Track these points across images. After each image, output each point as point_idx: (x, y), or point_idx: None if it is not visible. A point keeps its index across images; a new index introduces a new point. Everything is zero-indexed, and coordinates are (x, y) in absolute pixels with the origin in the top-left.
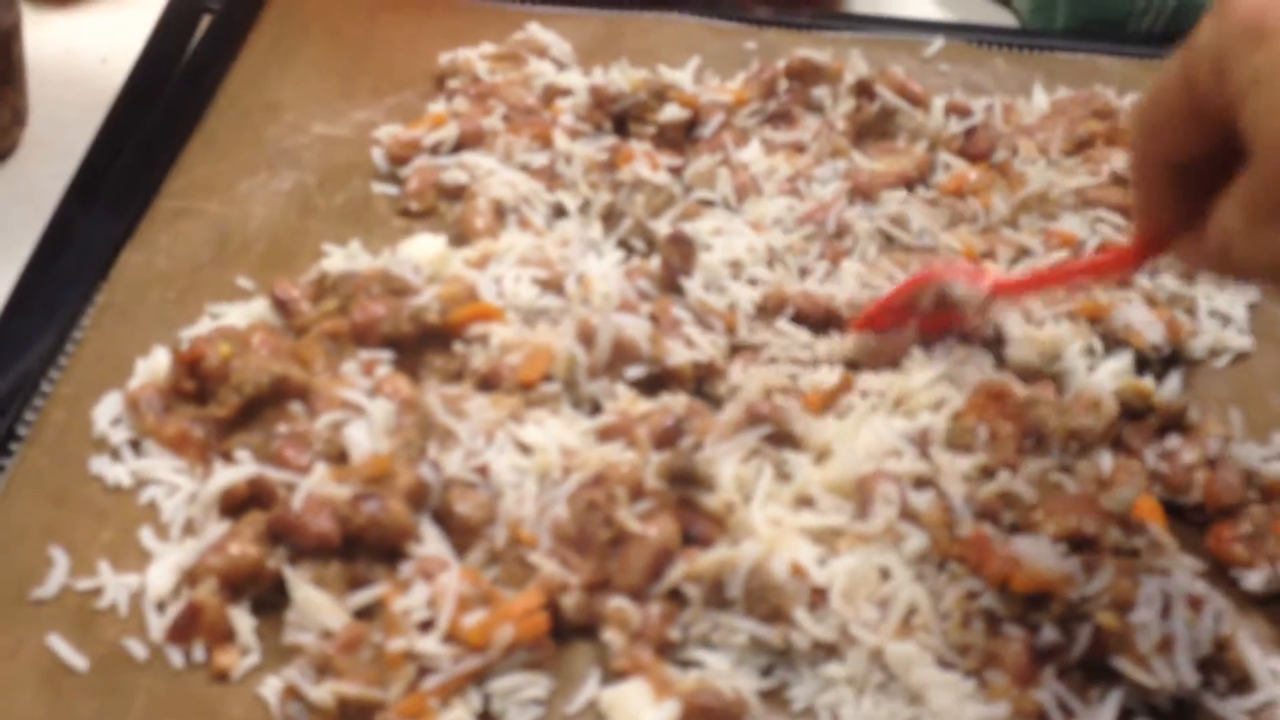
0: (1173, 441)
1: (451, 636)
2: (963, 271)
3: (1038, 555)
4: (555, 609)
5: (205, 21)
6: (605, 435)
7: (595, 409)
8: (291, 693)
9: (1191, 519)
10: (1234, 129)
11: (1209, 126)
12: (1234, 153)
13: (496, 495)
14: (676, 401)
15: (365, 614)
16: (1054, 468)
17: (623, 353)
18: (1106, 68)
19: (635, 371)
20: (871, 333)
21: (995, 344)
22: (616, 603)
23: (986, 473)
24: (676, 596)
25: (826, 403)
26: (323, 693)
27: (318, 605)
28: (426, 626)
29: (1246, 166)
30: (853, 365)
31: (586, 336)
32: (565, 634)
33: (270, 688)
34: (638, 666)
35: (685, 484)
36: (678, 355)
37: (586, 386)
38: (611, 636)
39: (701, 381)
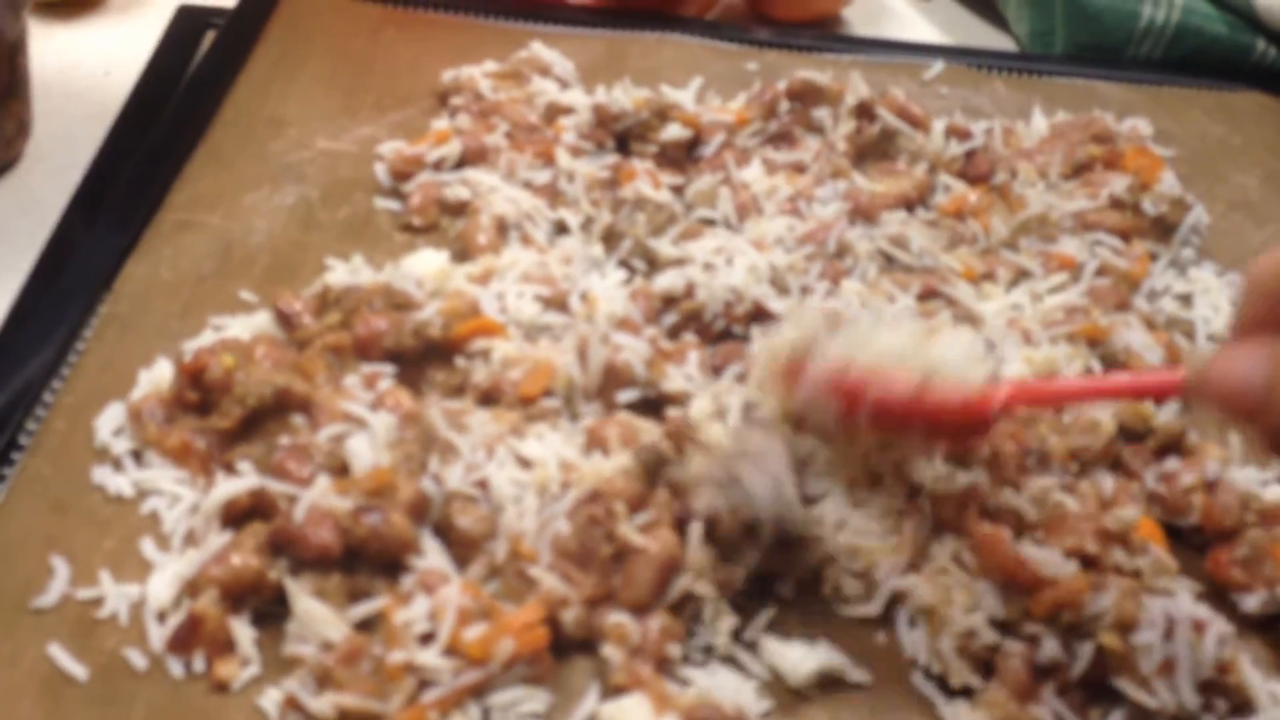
0: (1171, 464)
1: (452, 649)
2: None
3: (1048, 563)
4: (555, 624)
5: (209, 36)
6: (589, 446)
7: None
8: (291, 704)
9: (1190, 541)
10: None
11: None
12: None
13: (497, 509)
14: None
15: (365, 626)
16: (1056, 486)
17: (615, 376)
18: (1105, 92)
19: (628, 395)
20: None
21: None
22: (616, 618)
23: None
24: (680, 609)
25: None
26: (323, 704)
27: (318, 617)
28: (427, 639)
29: None
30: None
31: (584, 356)
32: (565, 649)
33: (270, 699)
34: (637, 682)
35: (660, 471)
36: (675, 381)
37: (580, 407)
38: (611, 652)
39: None
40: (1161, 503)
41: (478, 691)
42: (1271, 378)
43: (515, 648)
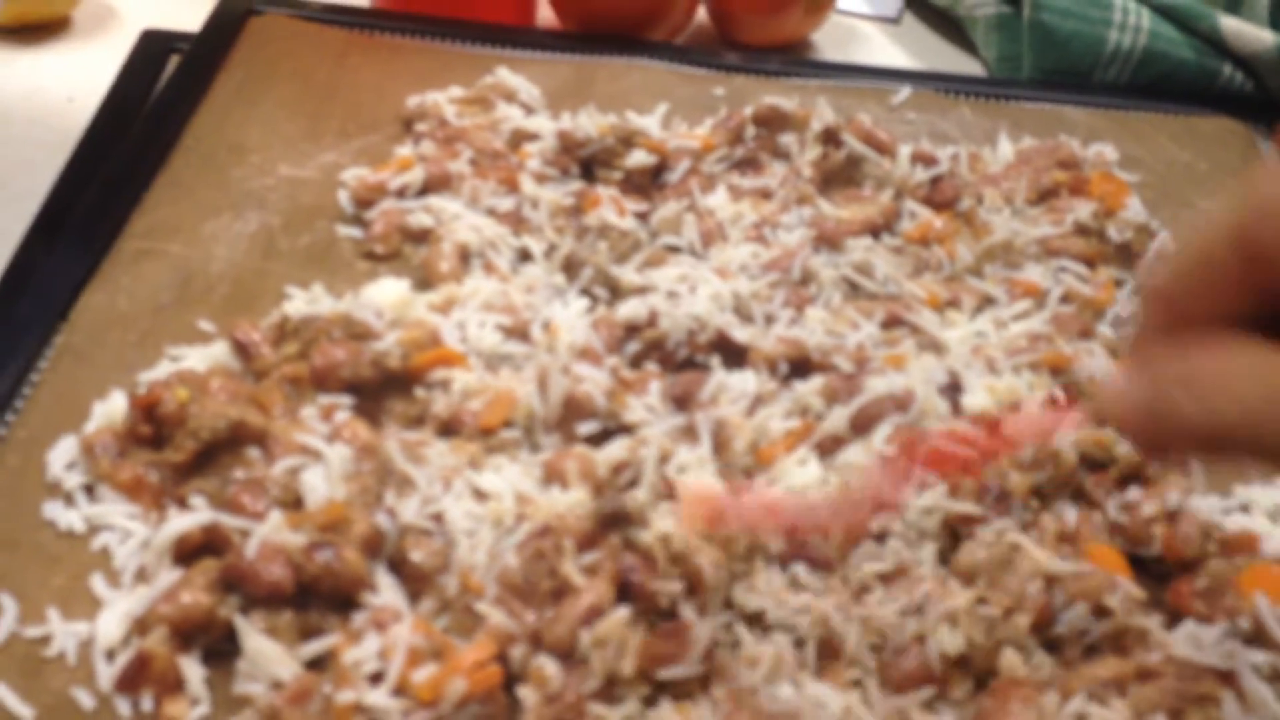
0: (1133, 493)
1: (401, 690)
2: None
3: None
4: (507, 661)
5: (174, 61)
6: (547, 479)
7: None
8: None
9: (1153, 571)
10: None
11: (1267, 295)
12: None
13: (451, 543)
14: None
15: (317, 665)
16: (1013, 527)
17: (575, 408)
18: (1072, 117)
19: (588, 427)
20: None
21: (952, 390)
22: (541, 660)
23: (947, 528)
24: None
25: (787, 448)
26: None
27: (268, 655)
28: (377, 679)
29: None
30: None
31: (544, 386)
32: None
33: None
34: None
35: (618, 525)
36: (636, 411)
37: (541, 438)
38: (526, 694)
39: None
40: (1123, 533)
41: None
42: (1167, 396)
43: (467, 687)
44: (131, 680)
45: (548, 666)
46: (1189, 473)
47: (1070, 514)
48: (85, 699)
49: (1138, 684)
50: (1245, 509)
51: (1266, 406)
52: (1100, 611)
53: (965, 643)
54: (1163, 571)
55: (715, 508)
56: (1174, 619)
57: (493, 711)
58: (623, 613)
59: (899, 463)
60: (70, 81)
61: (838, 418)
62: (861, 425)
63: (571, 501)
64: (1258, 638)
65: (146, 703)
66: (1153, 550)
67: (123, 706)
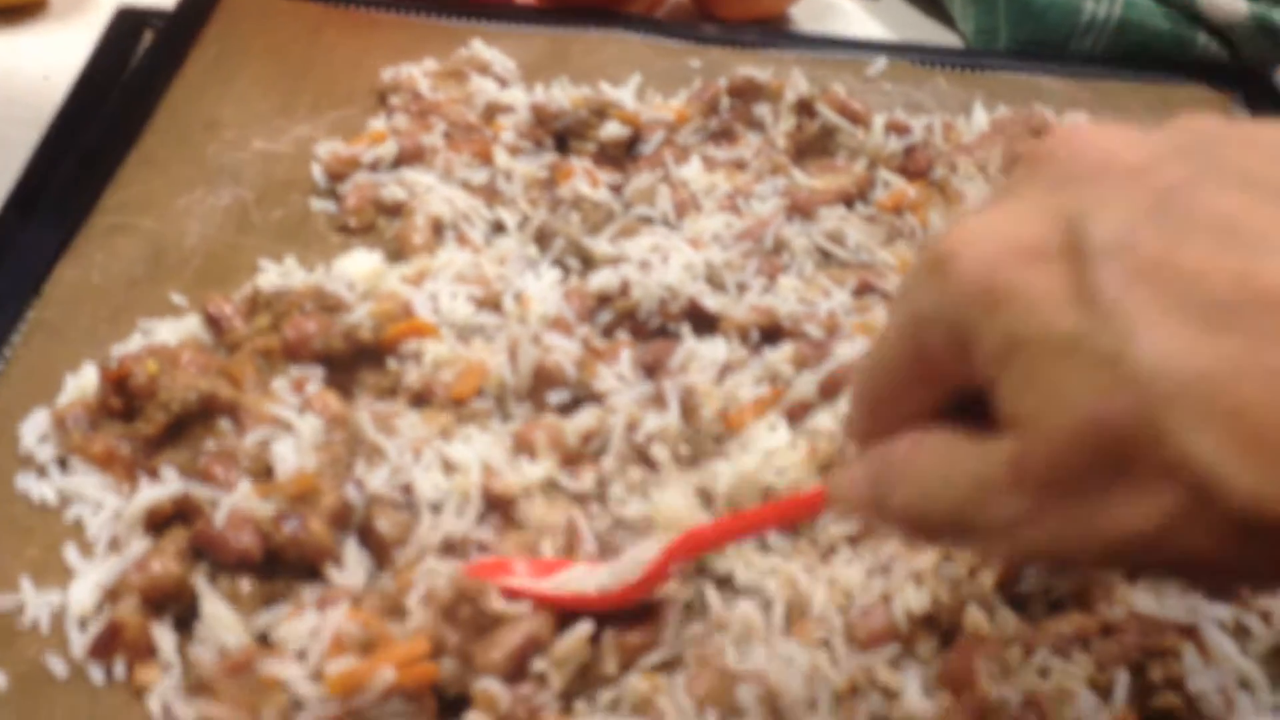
0: None
1: (317, 677)
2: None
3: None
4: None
5: (147, 38)
6: (516, 449)
7: None
8: (168, 711)
9: None
10: (975, 392)
11: (944, 391)
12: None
13: (415, 516)
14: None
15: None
16: None
17: (546, 377)
18: (1047, 87)
19: (559, 396)
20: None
21: None
22: (484, 683)
23: None
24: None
25: (756, 414)
26: (188, 713)
27: (222, 621)
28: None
29: (1007, 440)
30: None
31: (515, 357)
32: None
33: (155, 703)
34: None
35: None
36: (606, 380)
37: (512, 408)
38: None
39: None
40: None
41: None
42: (876, 483)
43: (396, 679)
44: (104, 648)
45: (492, 688)
46: None
47: None
48: (58, 666)
49: (1100, 638)
50: None
51: (945, 491)
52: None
53: (931, 601)
54: None
55: (496, 569)
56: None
57: (419, 712)
58: (584, 628)
59: (664, 558)
60: (46, 60)
61: (806, 383)
62: (829, 390)
63: (532, 468)
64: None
65: (119, 669)
66: None
67: (95, 674)
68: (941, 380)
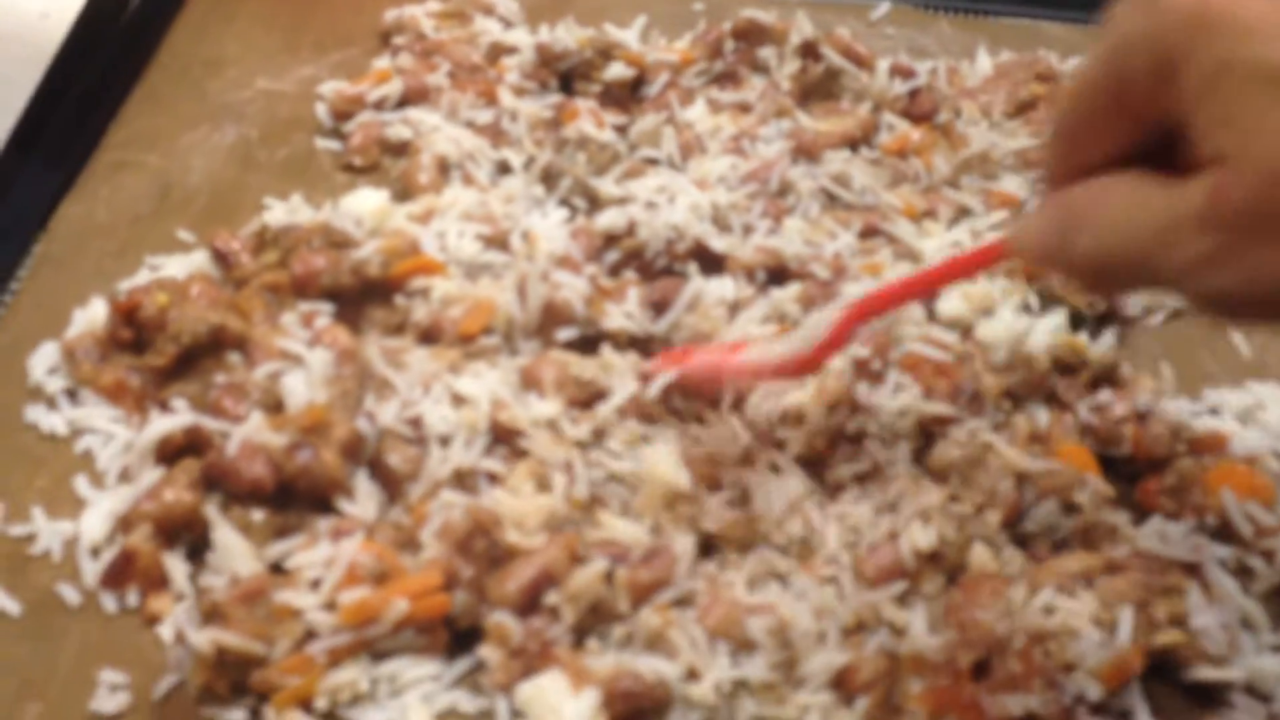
0: (1104, 396)
1: (330, 606)
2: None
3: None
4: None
5: None
6: (524, 385)
7: None
8: (181, 637)
9: (1122, 472)
10: (1176, 128)
11: (1142, 126)
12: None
13: (425, 450)
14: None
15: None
16: (986, 427)
17: (554, 314)
18: (1050, 32)
19: (568, 333)
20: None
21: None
22: (497, 617)
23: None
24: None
25: None
26: (201, 639)
27: (234, 549)
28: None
29: (1205, 176)
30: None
31: (523, 293)
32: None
33: (168, 628)
34: (551, 659)
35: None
36: (614, 318)
37: (520, 345)
38: (489, 653)
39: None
40: (1094, 434)
41: (366, 649)
42: (1062, 228)
43: (410, 610)
44: (117, 576)
45: (504, 621)
46: (1159, 374)
47: (1042, 416)
48: (71, 594)
49: (1105, 576)
50: (1215, 411)
51: (1132, 232)
52: (1069, 508)
53: (937, 538)
54: (1132, 472)
55: (681, 357)
56: (1142, 516)
57: (431, 644)
58: (599, 565)
59: (844, 321)
60: None
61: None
62: None
63: (540, 404)
64: (1223, 532)
65: (132, 598)
66: (1123, 450)
67: (108, 602)
68: (1140, 112)
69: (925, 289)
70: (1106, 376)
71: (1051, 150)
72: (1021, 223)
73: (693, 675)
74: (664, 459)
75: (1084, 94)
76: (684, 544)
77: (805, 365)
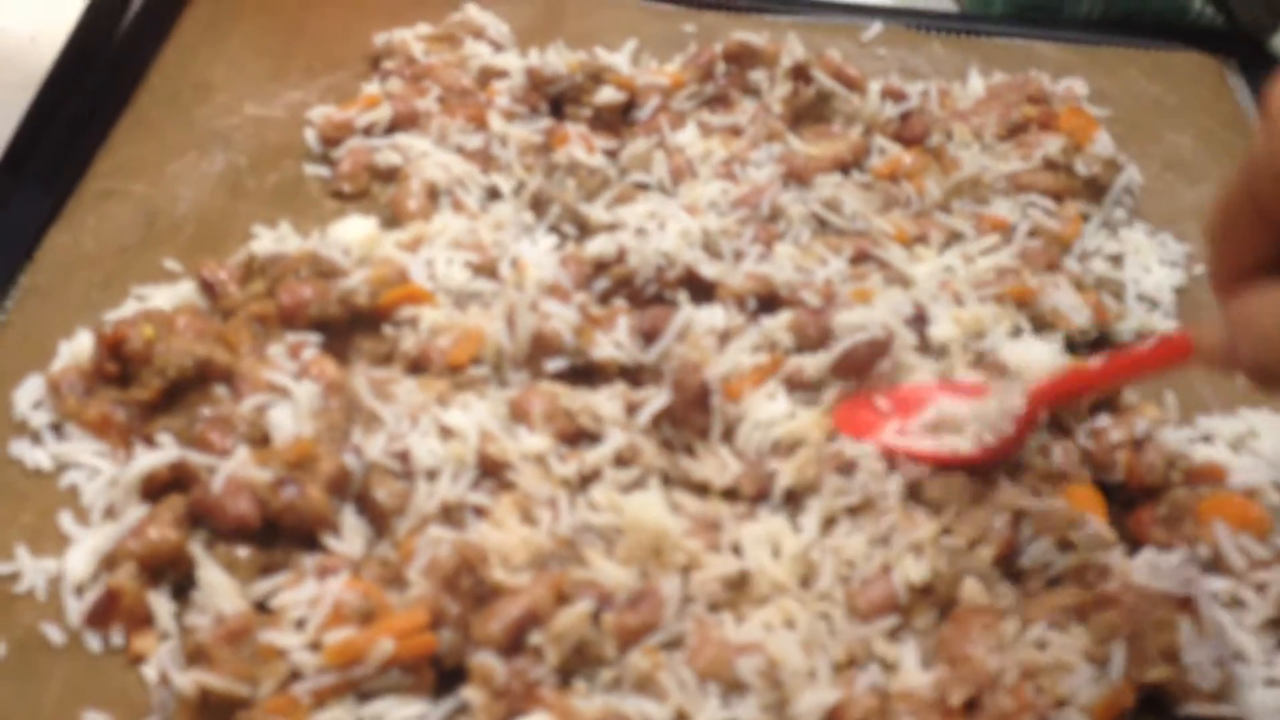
0: (1103, 420)
1: (315, 646)
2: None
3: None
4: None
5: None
6: (512, 418)
7: None
8: (166, 678)
9: (1117, 498)
10: None
11: (1276, 232)
12: None
13: (413, 485)
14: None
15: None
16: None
17: (544, 344)
18: (1042, 53)
19: (557, 364)
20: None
21: (918, 322)
22: (481, 657)
23: None
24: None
25: (755, 382)
26: (185, 681)
27: (218, 587)
28: (303, 627)
29: None
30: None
31: (512, 323)
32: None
33: (152, 669)
34: (537, 701)
35: None
36: (604, 349)
37: (509, 375)
38: (472, 695)
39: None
40: (1089, 459)
41: (351, 690)
42: (1230, 339)
43: (395, 650)
44: (101, 615)
45: (489, 661)
46: (1163, 404)
47: (1055, 451)
48: (55, 634)
49: (1097, 610)
50: (1208, 438)
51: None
52: (1064, 545)
53: (930, 572)
54: (1127, 499)
55: (866, 427)
56: (1135, 547)
57: (417, 684)
58: (585, 606)
59: (1028, 414)
60: (33, 22)
61: (820, 362)
62: (844, 370)
63: (530, 438)
64: (1216, 565)
65: (116, 637)
66: (1115, 477)
67: (92, 641)
68: (1267, 221)
69: (1107, 381)
70: (1107, 402)
71: (1207, 255)
72: (1203, 327)
73: (682, 718)
74: (652, 510)
75: (1226, 208)
76: (671, 586)
77: (992, 459)
